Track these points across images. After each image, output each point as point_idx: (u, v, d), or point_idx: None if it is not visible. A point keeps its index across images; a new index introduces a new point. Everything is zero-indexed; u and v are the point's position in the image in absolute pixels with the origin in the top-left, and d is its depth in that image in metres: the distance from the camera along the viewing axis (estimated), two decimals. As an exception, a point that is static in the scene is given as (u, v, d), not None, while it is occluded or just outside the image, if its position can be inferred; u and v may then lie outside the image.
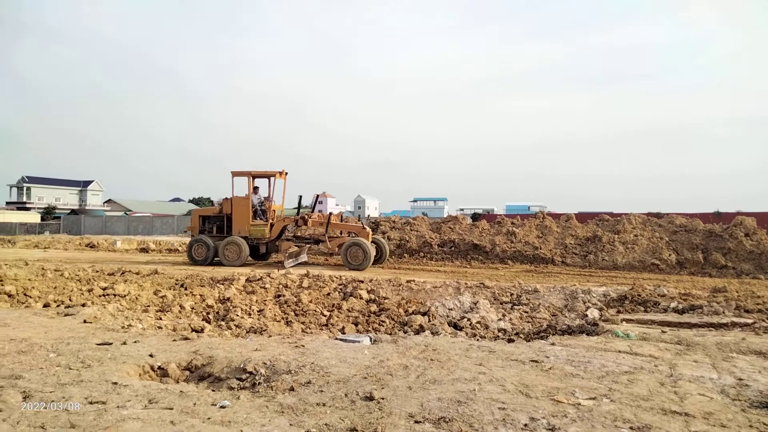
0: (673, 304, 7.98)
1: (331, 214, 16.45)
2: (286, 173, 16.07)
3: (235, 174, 15.82)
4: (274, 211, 15.97)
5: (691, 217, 18.09)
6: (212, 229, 16.06)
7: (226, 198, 16.14)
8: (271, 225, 15.64)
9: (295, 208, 17.06)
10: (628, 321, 7.13)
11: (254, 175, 15.81)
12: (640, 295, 8.80)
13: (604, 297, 9.31)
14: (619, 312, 8.04)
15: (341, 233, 15.75)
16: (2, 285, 8.69)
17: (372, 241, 15.52)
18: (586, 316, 7.58)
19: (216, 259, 15.44)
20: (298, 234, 16.24)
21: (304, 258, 15.78)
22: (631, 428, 3.24)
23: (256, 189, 16.05)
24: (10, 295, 8.17)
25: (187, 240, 18.42)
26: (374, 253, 15.08)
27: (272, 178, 15.91)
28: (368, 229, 15.67)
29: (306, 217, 15.87)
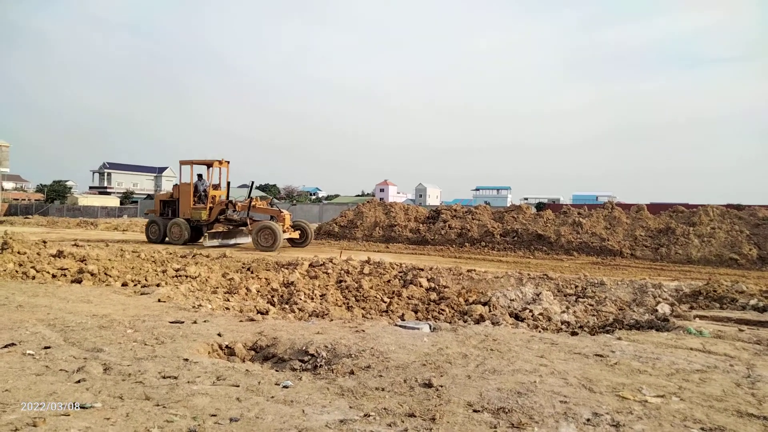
0: (752, 302, 7.50)
1: (252, 199, 17.61)
2: (228, 162, 17.81)
3: (182, 163, 17.79)
4: (214, 196, 17.49)
5: (776, 210, 16.89)
6: (168, 212, 18.06)
7: (176, 184, 18.14)
8: (210, 209, 17.16)
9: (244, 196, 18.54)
10: (701, 317, 6.78)
11: (196, 163, 17.68)
12: (715, 291, 8.32)
13: (676, 292, 8.87)
14: (692, 308, 7.65)
15: (272, 218, 16.88)
16: (86, 265, 9.29)
17: (295, 226, 17.00)
18: (656, 311, 7.25)
19: (167, 239, 17.26)
20: (234, 218, 17.43)
21: (244, 240, 17.25)
22: (702, 429, 3.09)
23: (200, 176, 17.85)
24: (92, 274, 8.74)
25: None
26: (284, 236, 16.09)
27: (213, 167, 17.60)
28: (285, 213, 16.65)
29: (235, 202, 17.44)
